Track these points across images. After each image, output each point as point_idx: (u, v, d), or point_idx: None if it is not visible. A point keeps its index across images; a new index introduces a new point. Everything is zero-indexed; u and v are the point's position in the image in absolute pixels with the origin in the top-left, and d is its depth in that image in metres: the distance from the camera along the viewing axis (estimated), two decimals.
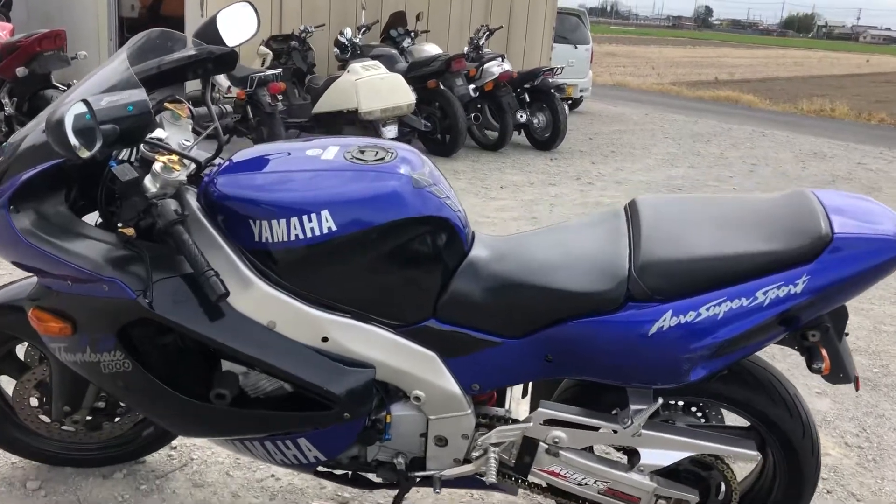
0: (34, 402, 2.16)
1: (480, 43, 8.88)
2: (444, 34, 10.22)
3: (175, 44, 1.96)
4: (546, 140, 8.72)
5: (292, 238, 1.66)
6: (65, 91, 1.89)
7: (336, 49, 8.48)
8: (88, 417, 2.14)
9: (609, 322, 1.65)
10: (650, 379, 1.70)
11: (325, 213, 1.65)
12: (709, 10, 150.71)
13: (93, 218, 1.89)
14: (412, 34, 9.07)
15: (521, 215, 5.88)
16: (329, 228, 1.65)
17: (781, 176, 8.35)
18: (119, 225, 1.67)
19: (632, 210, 1.87)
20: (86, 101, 1.54)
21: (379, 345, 1.75)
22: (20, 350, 2.19)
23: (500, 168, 7.72)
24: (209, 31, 1.97)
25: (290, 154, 1.84)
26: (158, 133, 1.80)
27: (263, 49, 8.12)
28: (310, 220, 1.65)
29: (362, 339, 1.75)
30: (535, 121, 8.66)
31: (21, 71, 5.57)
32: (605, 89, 16.95)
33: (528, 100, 8.50)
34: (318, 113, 7.47)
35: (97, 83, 1.75)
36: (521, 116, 8.43)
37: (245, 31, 2.01)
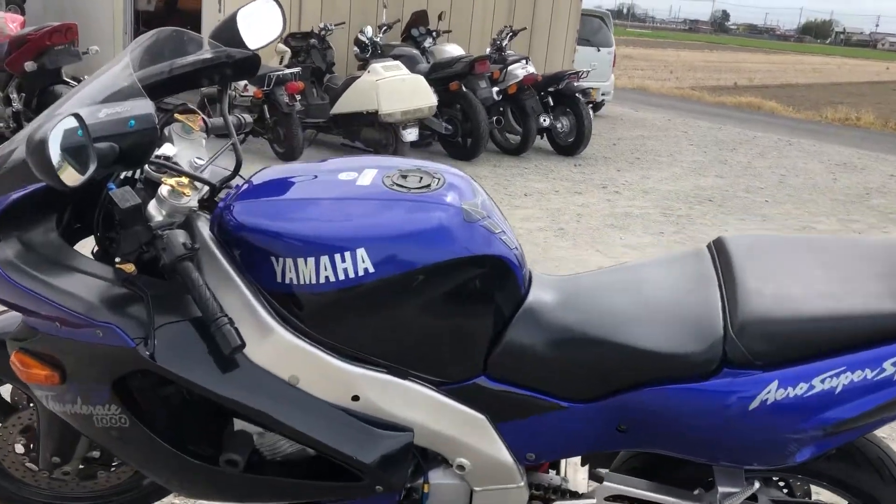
0: (20, 448, 1.91)
1: (503, 44, 8.60)
2: (467, 34, 9.95)
3: (188, 45, 1.71)
4: (569, 145, 8.44)
5: (321, 280, 1.40)
6: (76, 87, 1.60)
7: (356, 48, 8.22)
8: (81, 466, 1.88)
9: (700, 391, 1.38)
10: (745, 459, 1.43)
11: (360, 252, 1.38)
12: (726, 15, 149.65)
13: (89, 244, 1.63)
14: (434, 34, 8.81)
15: (547, 226, 5.61)
16: (365, 270, 1.39)
17: (813, 188, 8.04)
18: (117, 260, 1.41)
19: (718, 251, 1.60)
20: (77, 115, 1.29)
21: (419, 405, 1.49)
22: (5, 389, 1.93)
23: (523, 174, 7.45)
24: (228, 32, 1.71)
25: (319, 177, 1.58)
26: (166, 149, 1.54)
27: (282, 46, 7.87)
28: (343, 260, 1.39)
29: (399, 399, 1.48)
30: (559, 125, 8.39)
31: (30, 65, 5.33)
32: (625, 93, 16.62)
33: (551, 103, 8.23)
34: (336, 114, 7.22)
35: (96, 91, 1.50)
36: (545, 121, 8.16)
37: (269, 31, 1.76)
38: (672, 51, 40.93)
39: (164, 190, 1.45)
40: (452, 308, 1.45)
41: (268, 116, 6.77)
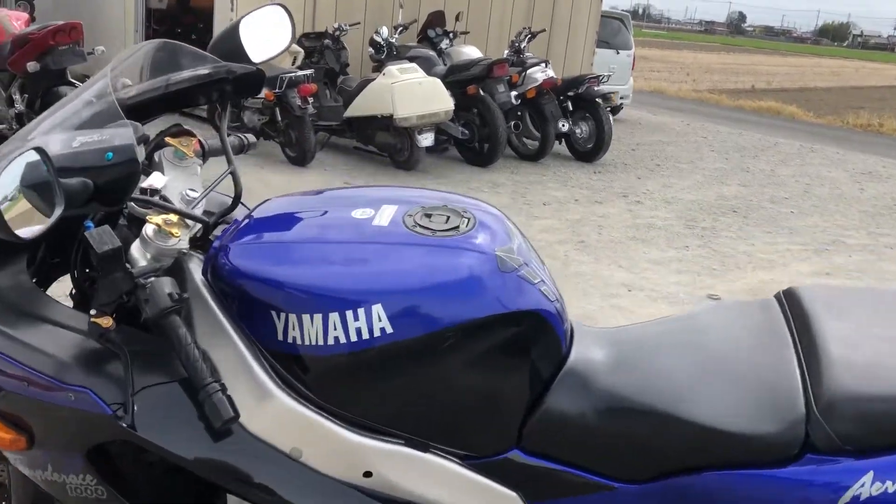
0: None
1: (522, 46, 8.38)
2: (484, 36, 9.74)
3: (182, 59, 1.50)
4: (588, 151, 8.22)
5: (330, 342, 1.19)
6: (50, 109, 1.39)
7: (371, 49, 8.02)
8: None
9: (776, 480, 1.16)
10: None
11: (376, 309, 1.17)
12: (742, 16, 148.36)
13: (68, 282, 1.43)
14: (451, 35, 8.60)
15: (567, 238, 5.39)
16: (382, 330, 1.18)
17: (839, 198, 7.79)
18: (92, 312, 1.20)
19: (790, 303, 1.38)
20: (39, 149, 1.08)
21: (442, 482, 1.28)
22: None
23: (542, 181, 7.23)
24: (229, 43, 1.51)
25: (330, 213, 1.37)
26: (154, 180, 1.34)
27: (295, 47, 7.66)
28: (356, 318, 1.18)
29: (419, 475, 1.27)
30: (578, 131, 8.17)
31: (32, 66, 5.14)
32: (642, 96, 16.34)
33: (570, 108, 8.01)
34: (350, 117, 7.03)
35: (70, 114, 1.29)
36: (564, 126, 7.94)
37: (275, 42, 1.56)
38: (688, 52, 40.54)
39: (148, 229, 1.25)
40: (483, 372, 1.24)
41: (279, 119, 6.58)
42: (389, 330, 1.17)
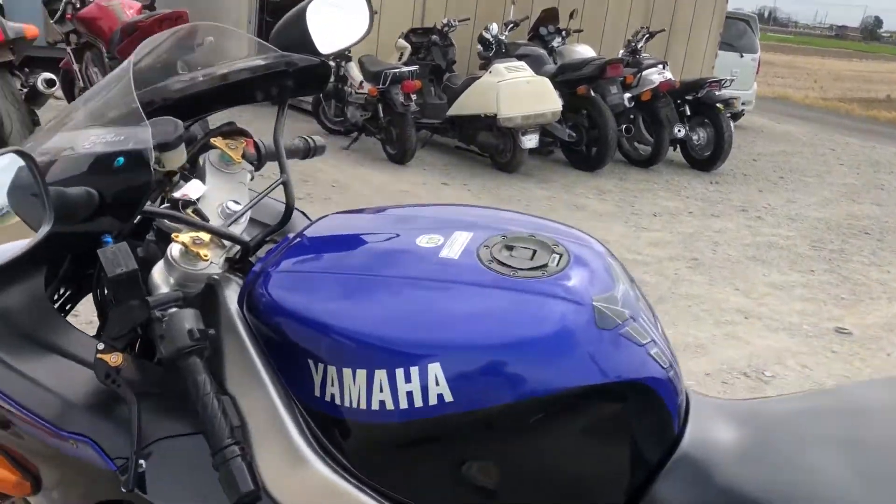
0: None
1: (639, 46, 7.95)
2: (599, 35, 9.34)
3: (236, 47, 1.29)
4: (705, 159, 7.72)
5: (374, 406, 0.94)
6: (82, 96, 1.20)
7: (479, 46, 7.76)
8: None
9: None
10: None
11: (433, 369, 0.92)
12: (878, 21, 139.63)
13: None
14: (564, 33, 8.26)
15: (678, 254, 4.98)
16: (440, 398, 0.92)
17: None
18: (100, 347, 0.99)
19: None
20: (22, 152, 0.89)
21: None
22: None
23: (652, 189, 6.80)
24: (293, 31, 1.29)
25: (391, 237, 1.12)
26: (190, 189, 1.13)
27: (402, 42, 7.52)
28: (407, 379, 0.92)
29: None
30: (695, 137, 7.69)
31: None
32: (765, 102, 15.44)
33: (688, 113, 7.53)
34: (453, 115, 6.81)
35: (93, 110, 1.10)
36: (679, 131, 7.48)
37: (350, 32, 1.33)
38: (816, 58, 38.49)
39: (174, 250, 1.04)
40: (570, 456, 0.97)
41: (381, 116, 6.43)
42: (449, 398, 0.91)
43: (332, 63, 6.90)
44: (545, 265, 1.00)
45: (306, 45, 1.28)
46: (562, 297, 0.96)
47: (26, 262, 1.13)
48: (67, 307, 1.28)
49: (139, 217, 1.11)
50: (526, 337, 0.93)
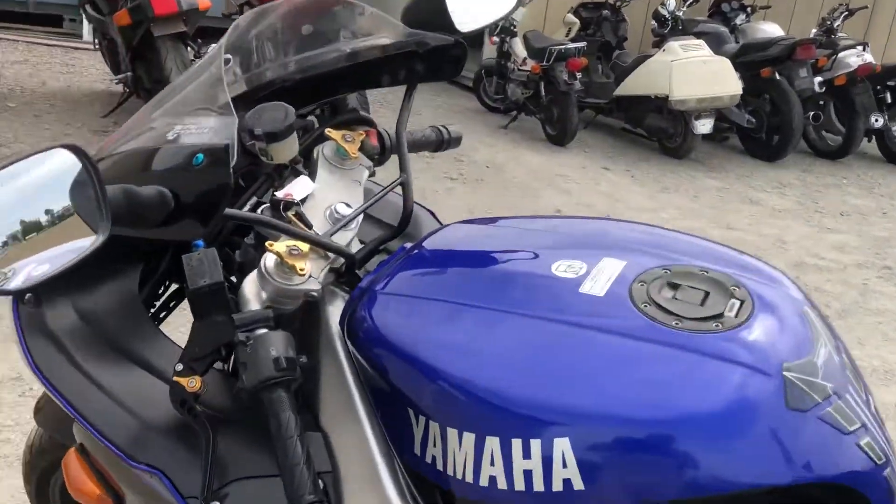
0: None
1: (835, 25, 7.18)
2: (789, 12, 8.54)
3: (360, 23, 1.13)
4: None
5: (482, 481, 0.74)
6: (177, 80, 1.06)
7: (654, 22, 7.28)
8: None
9: None
10: None
11: (561, 445, 0.70)
12: None
13: None
14: (749, 9, 7.61)
15: (867, 261, 4.42)
16: (566, 483, 0.70)
17: None
18: (178, 368, 0.86)
19: None
20: (75, 148, 0.75)
21: None
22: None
23: (841, 185, 6.14)
24: (428, 5, 1.11)
25: (521, 259, 0.91)
26: (295, 188, 0.98)
27: (571, 17, 7.18)
28: (526, 454, 0.72)
29: None
30: (895, 128, 6.85)
31: (306, 29, 5.15)
32: None
33: (888, 101, 6.72)
34: (620, 95, 6.44)
35: (183, 98, 0.97)
36: (877, 121, 6.69)
37: (494, 7, 1.13)
38: None
39: (268, 260, 0.88)
40: None
41: (543, 94, 6.16)
42: (578, 485, 0.70)
43: (496, 40, 6.69)
44: (720, 315, 0.76)
45: (443, 21, 1.10)
46: (741, 362, 0.71)
47: (119, 258, 1.03)
48: (171, 305, 1.17)
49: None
50: (687, 414, 0.69)
